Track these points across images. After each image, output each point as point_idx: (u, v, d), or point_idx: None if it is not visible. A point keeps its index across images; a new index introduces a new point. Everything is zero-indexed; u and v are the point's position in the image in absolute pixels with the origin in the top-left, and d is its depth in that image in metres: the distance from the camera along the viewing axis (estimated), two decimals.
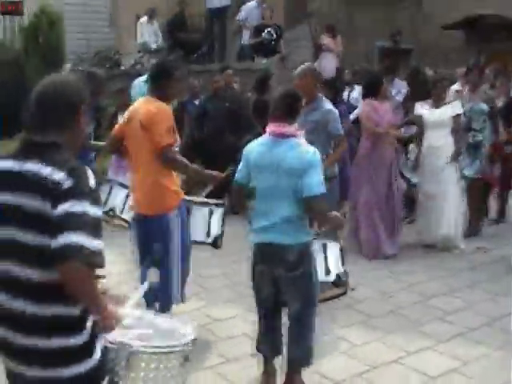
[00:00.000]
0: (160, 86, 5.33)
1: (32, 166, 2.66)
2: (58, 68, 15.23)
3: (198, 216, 5.76)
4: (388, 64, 12.64)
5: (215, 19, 14.39)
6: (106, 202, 6.75)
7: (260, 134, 4.73)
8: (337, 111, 6.64)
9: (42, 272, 2.63)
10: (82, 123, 2.88)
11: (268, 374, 4.69)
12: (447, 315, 6.08)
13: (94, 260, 2.57)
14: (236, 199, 4.79)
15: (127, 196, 6.74)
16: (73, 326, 2.71)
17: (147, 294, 4.46)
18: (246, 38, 14.30)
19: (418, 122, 8.45)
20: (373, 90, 8.20)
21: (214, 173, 5.50)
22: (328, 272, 5.20)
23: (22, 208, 2.64)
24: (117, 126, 5.55)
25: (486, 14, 15.45)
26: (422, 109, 8.33)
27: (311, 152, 4.34)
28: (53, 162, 2.65)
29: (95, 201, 2.67)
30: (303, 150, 4.33)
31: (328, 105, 6.61)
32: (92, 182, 2.69)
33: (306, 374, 4.65)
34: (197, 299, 6.32)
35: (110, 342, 2.87)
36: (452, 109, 8.21)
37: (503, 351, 5.23)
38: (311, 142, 4.60)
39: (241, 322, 5.85)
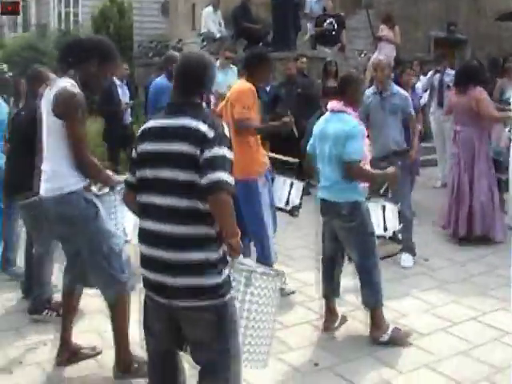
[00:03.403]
0: (253, 70, 6.14)
1: (183, 121, 3.34)
2: (127, 54, 15.94)
3: (281, 185, 6.77)
4: (440, 53, 13.16)
5: (279, 9, 14.72)
6: None
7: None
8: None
9: (188, 201, 3.29)
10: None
11: (329, 311, 5.61)
12: None
13: (233, 190, 3.29)
14: (306, 166, 5.75)
15: None
16: (211, 243, 3.34)
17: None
18: (310, 28, 14.89)
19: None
20: (480, 79, 8.19)
21: (283, 120, 6.21)
22: (385, 229, 5.97)
23: (174, 153, 3.30)
24: (219, 106, 6.48)
25: None
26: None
27: (352, 124, 5.17)
28: (198, 118, 3.33)
29: (229, 147, 3.36)
30: (347, 122, 5.18)
31: (402, 90, 7.65)
32: (226, 131, 3.38)
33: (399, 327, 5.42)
34: (286, 267, 6.98)
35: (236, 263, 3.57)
36: None
37: None
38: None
39: None
